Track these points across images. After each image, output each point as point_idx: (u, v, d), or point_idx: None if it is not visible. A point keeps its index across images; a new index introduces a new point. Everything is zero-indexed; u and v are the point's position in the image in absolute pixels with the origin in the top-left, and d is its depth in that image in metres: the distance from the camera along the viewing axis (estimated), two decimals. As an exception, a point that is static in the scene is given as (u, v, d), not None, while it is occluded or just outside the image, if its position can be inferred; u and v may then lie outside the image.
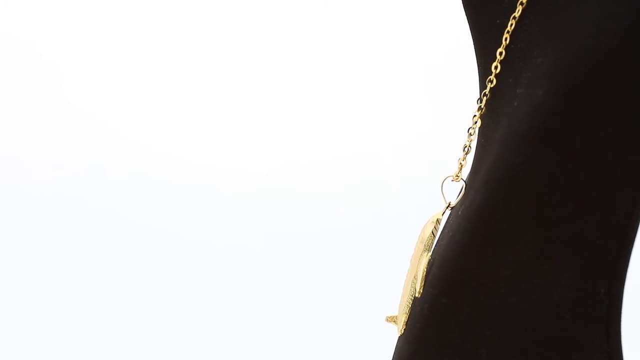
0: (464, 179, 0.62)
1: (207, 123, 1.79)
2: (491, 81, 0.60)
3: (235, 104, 1.80)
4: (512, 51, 0.59)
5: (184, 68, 1.81)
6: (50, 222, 1.68)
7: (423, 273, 0.61)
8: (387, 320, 0.64)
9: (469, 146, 0.62)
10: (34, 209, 1.70)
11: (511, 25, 0.58)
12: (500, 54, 0.59)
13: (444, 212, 0.61)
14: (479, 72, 0.63)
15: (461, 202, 0.61)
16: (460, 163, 0.62)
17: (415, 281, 0.62)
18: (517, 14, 0.58)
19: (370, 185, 1.70)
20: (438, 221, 0.61)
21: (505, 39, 0.59)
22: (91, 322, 1.47)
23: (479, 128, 0.62)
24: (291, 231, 1.65)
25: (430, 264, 0.61)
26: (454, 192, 0.63)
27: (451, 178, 0.62)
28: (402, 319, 0.63)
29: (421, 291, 0.60)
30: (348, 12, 1.80)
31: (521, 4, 0.58)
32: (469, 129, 0.64)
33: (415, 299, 0.61)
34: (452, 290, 0.57)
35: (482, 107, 0.61)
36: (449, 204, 0.61)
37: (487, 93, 0.60)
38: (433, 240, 0.62)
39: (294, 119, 1.78)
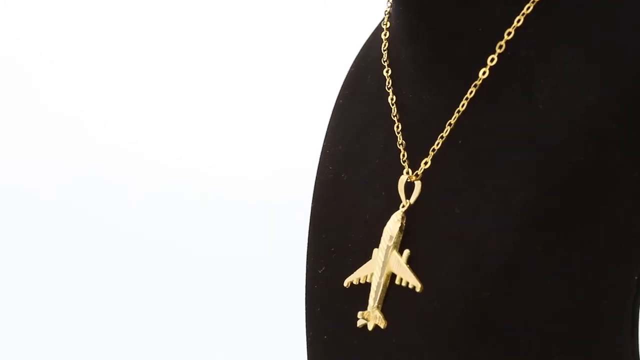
0: (422, 179, 0.63)
1: (204, 129, 1.79)
2: (476, 85, 0.61)
3: (234, 106, 1.80)
4: (509, 58, 0.60)
5: (181, 75, 1.80)
6: (49, 224, 1.68)
7: (409, 268, 0.62)
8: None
9: (435, 148, 0.64)
10: (31, 212, 1.70)
11: (509, 33, 0.59)
12: (492, 60, 0.60)
13: (405, 211, 0.63)
14: (446, 74, 0.64)
15: (446, 200, 0.62)
16: (422, 163, 0.64)
17: (396, 276, 0.63)
18: (517, 24, 0.59)
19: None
20: (404, 219, 0.63)
21: (500, 46, 0.60)
22: (92, 319, 1.47)
23: (451, 129, 0.63)
24: (291, 233, 1.66)
25: (409, 259, 0.63)
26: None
27: (408, 178, 0.64)
28: (376, 314, 0.64)
29: (422, 286, 0.61)
30: (348, 13, 1.80)
31: (523, 14, 0.59)
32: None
33: (409, 294, 0.62)
34: (497, 283, 0.58)
35: (460, 110, 0.63)
36: (409, 203, 0.63)
37: (468, 97, 0.62)
38: (400, 237, 0.63)
39: (293, 119, 1.77)
